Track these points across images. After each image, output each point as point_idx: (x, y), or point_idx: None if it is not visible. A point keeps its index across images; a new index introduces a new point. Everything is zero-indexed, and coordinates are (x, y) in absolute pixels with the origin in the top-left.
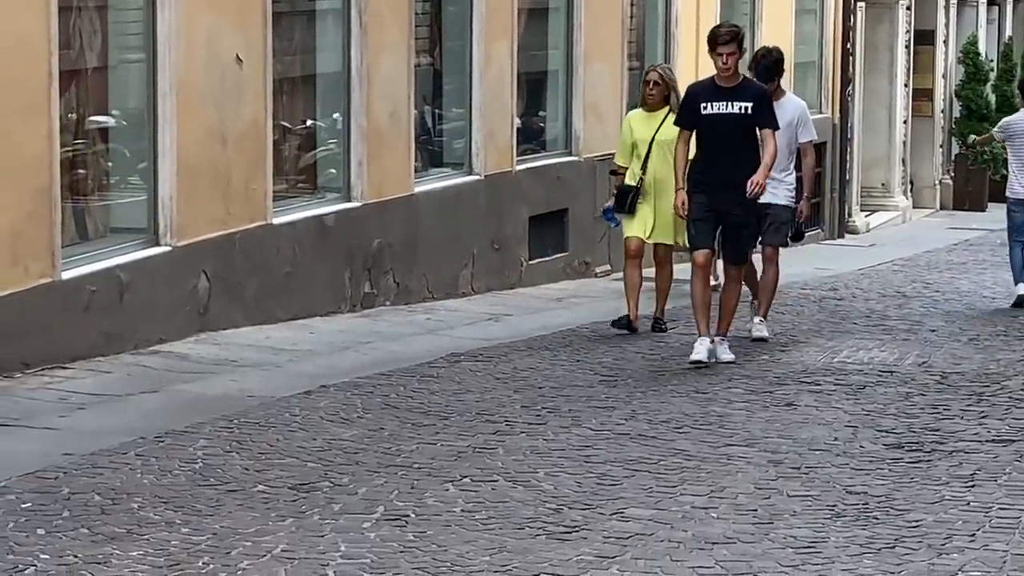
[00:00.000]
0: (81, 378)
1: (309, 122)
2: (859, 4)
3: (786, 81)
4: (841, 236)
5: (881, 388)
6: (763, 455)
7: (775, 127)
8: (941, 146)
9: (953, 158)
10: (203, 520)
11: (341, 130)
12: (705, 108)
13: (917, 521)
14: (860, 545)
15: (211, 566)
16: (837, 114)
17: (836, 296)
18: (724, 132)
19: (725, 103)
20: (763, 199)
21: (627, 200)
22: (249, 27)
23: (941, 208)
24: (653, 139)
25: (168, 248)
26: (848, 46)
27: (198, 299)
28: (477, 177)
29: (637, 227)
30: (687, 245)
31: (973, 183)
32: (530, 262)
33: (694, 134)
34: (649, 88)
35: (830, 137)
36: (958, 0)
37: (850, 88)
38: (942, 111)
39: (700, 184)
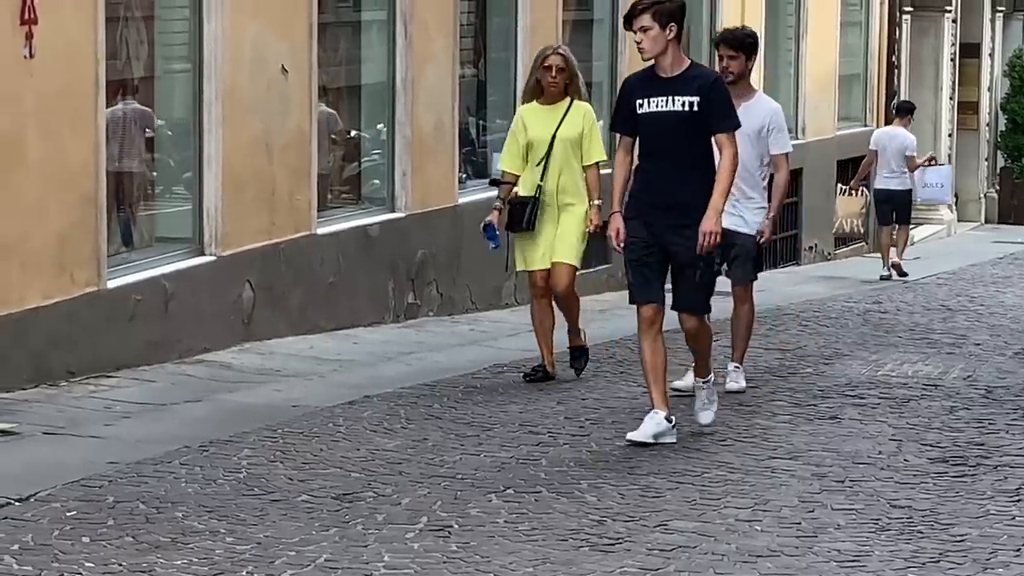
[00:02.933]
0: (126, 387)
1: (353, 132)
2: (905, 16)
3: (824, 91)
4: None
5: (925, 402)
6: (807, 468)
7: (733, 127)
8: (986, 159)
9: (998, 171)
10: (247, 529)
11: (385, 141)
12: (641, 106)
13: (962, 536)
14: (904, 559)
15: (255, 575)
16: (882, 127)
17: (880, 309)
18: (664, 137)
19: (665, 98)
20: (729, 225)
21: (525, 215)
22: (295, 37)
23: (986, 221)
24: (554, 137)
25: (213, 258)
26: (893, 59)
27: (242, 309)
28: None
29: (539, 257)
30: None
31: (1018, 196)
32: (581, 272)
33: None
34: (551, 75)
35: None
36: (1004, 13)
37: (895, 101)
38: (987, 124)
39: (637, 208)
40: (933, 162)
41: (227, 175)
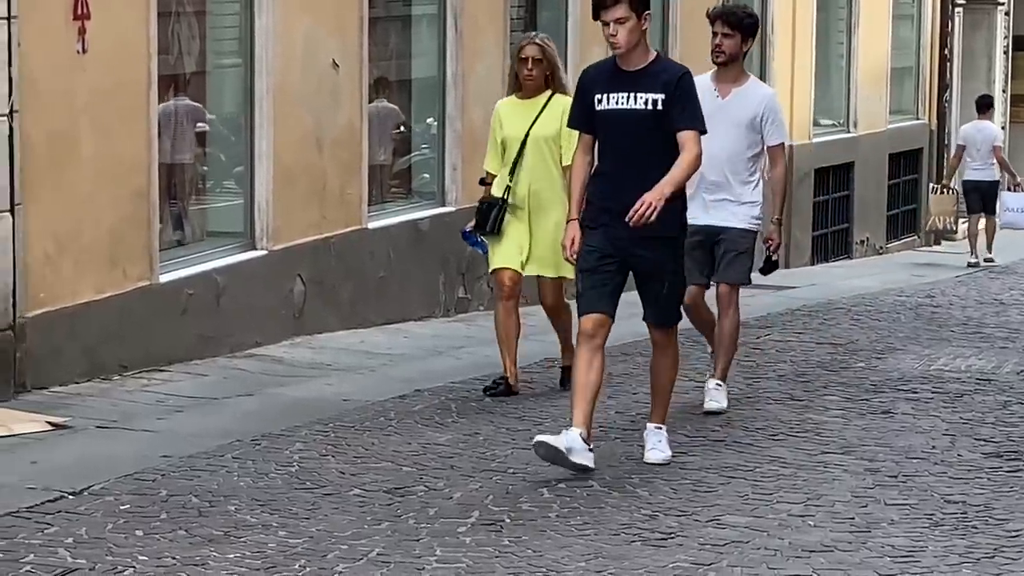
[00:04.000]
0: (178, 381)
1: (403, 127)
2: (956, 9)
3: (876, 84)
4: (938, 243)
5: (979, 396)
6: (860, 463)
7: (698, 128)
8: None
9: None
10: (299, 523)
11: (436, 135)
12: (600, 102)
13: (1016, 531)
14: (959, 555)
15: (307, 569)
16: (934, 120)
17: (933, 303)
18: (625, 137)
19: (626, 94)
20: (716, 221)
21: (490, 218)
22: (346, 32)
23: None
24: (528, 135)
25: (264, 252)
26: (945, 52)
27: (293, 303)
28: None
29: (507, 255)
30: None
31: None
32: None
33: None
34: (527, 67)
35: (927, 143)
36: None
37: (947, 94)
38: None
39: (594, 216)
40: (1019, 188)
41: (278, 170)
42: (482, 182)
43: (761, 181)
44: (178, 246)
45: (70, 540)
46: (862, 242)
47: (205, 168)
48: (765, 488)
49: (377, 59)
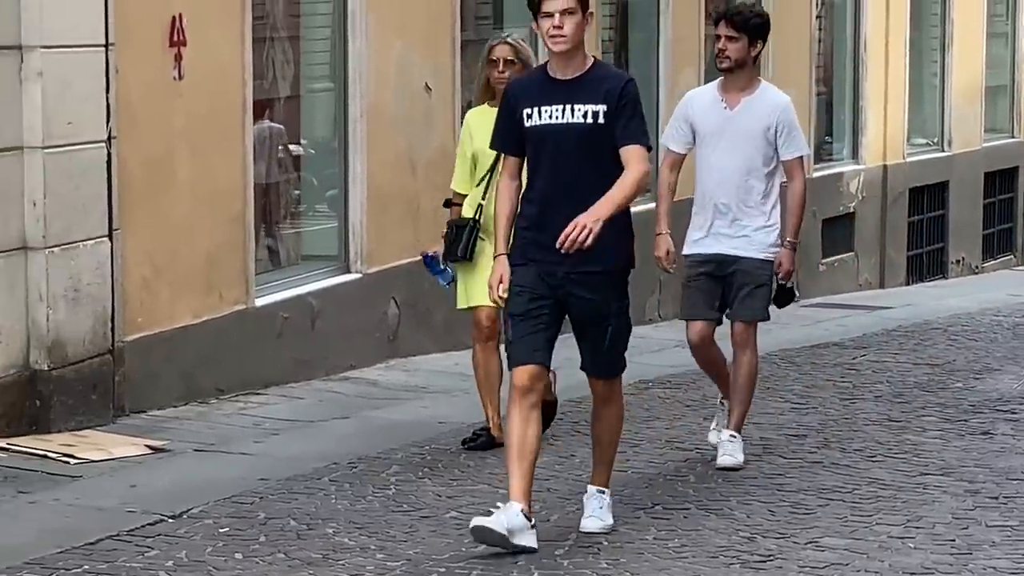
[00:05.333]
0: (274, 404)
1: None
2: None
3: (970, 102)
4: None
5: None
6: (960, 484)
7: (644, 143)
8: None
9: None
10: (397, 546)
11: None
12: (529, 117)
13: None
14: None
15: None
16: None
17: None
18: (561, 157)
19: (560, 107)
20: (728, 249)
21: (463, 242)
22: (438, 55)
23: None
24: None
25: (359, 275)
26: None
27: (388, 326)
28: None
29: (483, 291)
30: None
31: None
32: None
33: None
34: (499, 69)
35: (1023, 162)
36: None
37: None
38: None
39: (522, 249)
40: None
41: (372, 192)
42: (448, 204)
43: (779, 202)
44: (273, 270)
45: (170, 563)
46: (958, 262)
47: (299, 192)
48: (864, 510)
49: (469, 82)
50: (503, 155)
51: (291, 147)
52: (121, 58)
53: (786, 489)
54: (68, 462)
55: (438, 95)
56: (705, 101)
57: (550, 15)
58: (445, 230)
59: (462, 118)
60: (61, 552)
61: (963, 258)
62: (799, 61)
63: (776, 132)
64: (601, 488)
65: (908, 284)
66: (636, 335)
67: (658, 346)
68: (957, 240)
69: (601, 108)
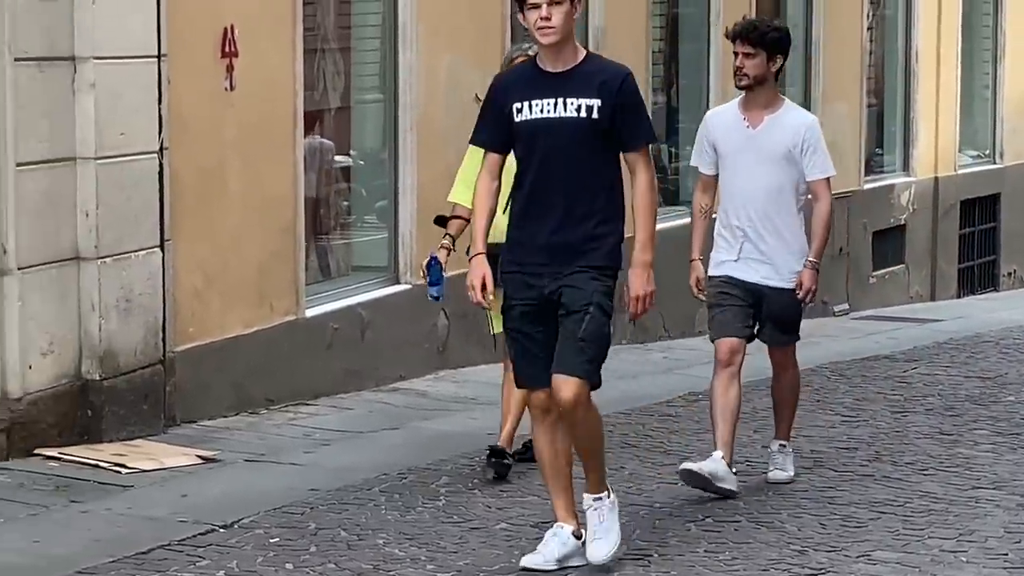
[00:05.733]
0: (324, 415)
1: None
2: None
3: (1020, 112)
4: None
5: None
6: (1012, 498)
7: (648, 140)
8: None
9: None
10: (448, 557)
11: None
12: (519, 112)
13: None
14: None
15: None
16: None
17: None
18: (552, 154)
19: (552, 101)
20: (755, 278)
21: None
22: (488, 66)
23: None
24: None
25: (408, 286)
26: None
27: (437, 337)
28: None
29: None
30: None
31: None
32: None
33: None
34: None
35: None
36: None
37: None
38: None
39: (512, 255)
40: None
41: (422, 204)
42: (440, 221)
43: (803, 223)
44: (323, 280)
45: (221, 573)
46: (1009, 274)
47: (348, 203)
48: (916, 524)
49: None
50: (485, 152)
51: (340, 158)
52: (173, 69)
53: (837, 502)
54: (120, 472)
55: None
56: (726, 120)
57: (536, 6)
58: (447, 240)
59: None
60: (113, 561)
61: (1015, 270)
62: (850, 73)
63: (801, 152)
64: (597, 496)
65: (959, 296)
66: (686, 347)
67: (708, 358)
68: (1009, 252)
69: (596, 102)
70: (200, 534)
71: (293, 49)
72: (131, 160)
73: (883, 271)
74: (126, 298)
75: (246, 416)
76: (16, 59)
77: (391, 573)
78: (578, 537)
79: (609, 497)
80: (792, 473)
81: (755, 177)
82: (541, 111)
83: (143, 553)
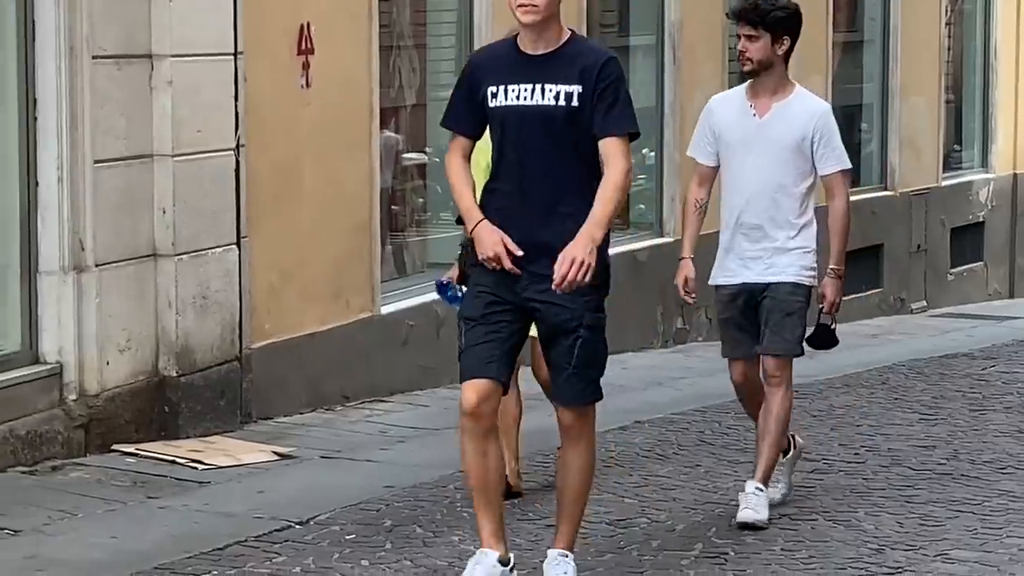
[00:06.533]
0: (399, 411)
1: None
2: None
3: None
4: None
5: None
6: None
7: (626, 131)
8: None
9: None
10: (523, 554)
11: (653, 166)
12: (495, 96)
13: None
14: None
15: None
16: None
17: None
18: (528, 144)
19: (530, 86)
20: (759, 276)
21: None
22: None
23: None
24: None
25: None
26: None
27: None
28: None
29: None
30: None
31: None
32: (844, 297)
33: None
34: None
35: None
36: None
37: None
38: None
39: None
40: None
41: None
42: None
43: (815, 222)
44: (399, 277)
45: (298, 569)
46: None
47: (423, 200)
48: (994, 522)
49: None
50: (453, 135)
51: (415, 155)
52: (249, 66)
53: (915, 501)
54: (196, 468)
55: None
56: (731, 108)
57: None
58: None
59: None
60: (190, 557)
61: None
62: (928, 69)
63: (813, 143)
64: (564, 552)
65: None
66: None
67: None
68: None
69: (576, 89)
70: (276, 530)
71: (369, 46)
72: (208, 157)
73: (961, 268)
74: (203, 295)
75: (322, 413)
76: (94, 57)
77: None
78: (505, 564)
79: (572, 560)
80: (766, 517)
81: (762, 170)
82: (517, 97)
83: (219, 549)
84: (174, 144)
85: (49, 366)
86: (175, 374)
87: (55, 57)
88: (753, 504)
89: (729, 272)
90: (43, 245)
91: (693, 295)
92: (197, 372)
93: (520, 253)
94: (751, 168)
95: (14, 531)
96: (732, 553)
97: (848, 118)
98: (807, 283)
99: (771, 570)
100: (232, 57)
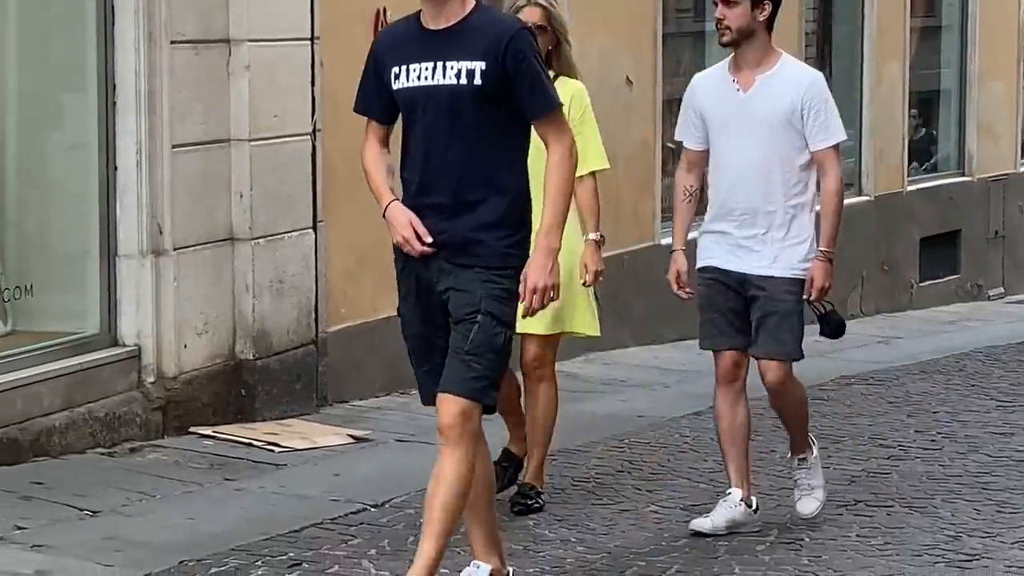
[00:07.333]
0: None
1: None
2: None
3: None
4: None
5: None
6: None
7: (553, 106)
8: None
9: None
10: (597, 539)
11: None
12: (397, 78)
13: None
14: None
15: None
16: None
17: None
18: (433, 128)
19: (430, 65)
20: (749, 268)
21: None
22: (640, 48)
23: None
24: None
25: None
26: None
27: None
28: (867, 198)
29: (530, 321)
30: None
31: None
32: (920, 284)
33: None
34: None
35: None
36: None
37: None
38: None
39: (398, 247)
40: None
41: None
42: None
43: (814, 204)
44: None
45: (373, 552)
46: None
47: None
48: None
49: (670, 76)
50: (368, 121)
51: None
52: (326, 51)
53: (992, 488)
54: (273, 450)
55: (639, 88)
56: (714, 84)
57: None
58: None
59: (663, 111)
60: (266, 539)
61: None
62: (1006, 54)
63: (803, 115)
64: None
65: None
66: None
67: (860, 341)
68: None
69: (479, 65)
70: (352, 513)
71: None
72: (284, 142)
73: None
74: (279, 279)
75: (397, 396)
76: (172, 42)
77: (541, 554)
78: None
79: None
80: (816, 505)
81: (748, 148)
82: (419, 77)
83: (295, 531)
84: (251, 129)
85: (128, 349)
86: (252, 357)
87: (134, 42)
88: (807, 479)
89: (716, 257)
90: (122, 229)
91: (688, 290)
92: (273, 355)
93: (430, 239)
94: (736, 146)
95: (93, 512)
96: (807, 539)
97: (926, 104)
98: (803, 277)
99: (847, 556)
100: (309, 42)
